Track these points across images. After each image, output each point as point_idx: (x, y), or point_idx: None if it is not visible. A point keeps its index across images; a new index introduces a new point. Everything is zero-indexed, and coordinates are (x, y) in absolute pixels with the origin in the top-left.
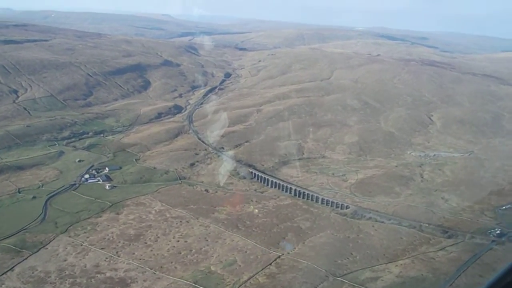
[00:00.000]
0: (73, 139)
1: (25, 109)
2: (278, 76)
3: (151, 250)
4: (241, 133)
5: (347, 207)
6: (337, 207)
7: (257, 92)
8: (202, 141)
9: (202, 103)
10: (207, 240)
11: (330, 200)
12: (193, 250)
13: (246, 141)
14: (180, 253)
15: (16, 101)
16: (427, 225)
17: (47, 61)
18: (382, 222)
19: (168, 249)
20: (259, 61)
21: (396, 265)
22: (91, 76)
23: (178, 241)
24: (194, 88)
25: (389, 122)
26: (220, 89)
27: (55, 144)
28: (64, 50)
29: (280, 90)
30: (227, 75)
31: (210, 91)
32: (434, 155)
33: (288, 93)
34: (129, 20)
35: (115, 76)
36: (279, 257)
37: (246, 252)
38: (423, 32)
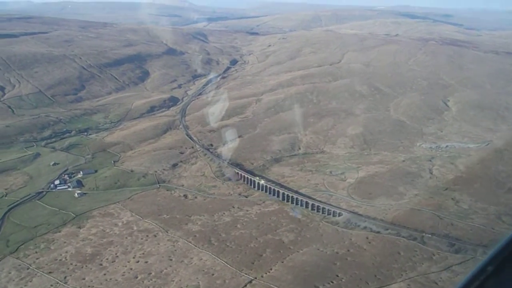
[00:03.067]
0: (53, 139)
1: (9, 107)
2: (287, 61)
3: (105, 274)
4: (235, 126)
5: (339, 215)
6: (328, 214)
7: (261, 79)
8: (190, 138)
9: (200, 94)
10: (171, 260)
11: (321, 206)
12: (152, 273)
13: (239, 136)
14: (137, 277)
15: (1, 99)
16: (430, 235)
17: (40, 54)
18: (378, 232)
19: (124, 272)
20: (269, 45)
21: None
22: (85, 69)
23: (138, 261)
24: (195, 77)
25: (400, 110)
26: (223, 77)
27: (33, 146)
28: (61, 42)
29: (285, 76)
30: (233, 62)
31: (212, 80)
32: (447, 146)
33: (293, 80)
34: (145, 8)
35: (111, 68)
36: (250, 282)
37: (213, 275)
38: (448, 9)
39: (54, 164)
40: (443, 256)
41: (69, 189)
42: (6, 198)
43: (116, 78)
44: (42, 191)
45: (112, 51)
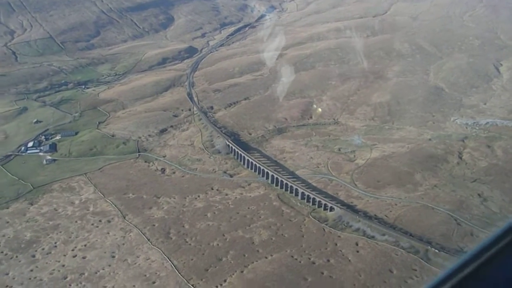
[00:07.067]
0: (47, 92)
1: (13, 53)
2: (327, 10)
3: (31, 271)
4: (244, 86)
5: (331, 209)
6: (319, 206)
7: (293, 30)
8: (190, 98)
9: (221, 45)
10: (113, 257)
11: (312, 196)
12: (85, 274)
13: (245, 99)
14: (66, 278)
15: (8, 44)
16: (437, 251)
17: None
18: (373, 237)
19: (54, 270)
20: None
21: None
22: (104, 13)
23: (76, 255)
24: (224, 25)
25: (441, 74)
26: (252, 27)
27: (24, 99)
28: None
29: (319, 28)
30: (270, 10)
31: (240, 29)
32: (487, 123)
33: (327, 33)
34: None
35: (133, 12)
36: None
37: (154, 283)
38: None
39: (37, 122)
40: None
41: (40, 153)
42: None
43: (136, 24)
44: (11, 155)
45: None
